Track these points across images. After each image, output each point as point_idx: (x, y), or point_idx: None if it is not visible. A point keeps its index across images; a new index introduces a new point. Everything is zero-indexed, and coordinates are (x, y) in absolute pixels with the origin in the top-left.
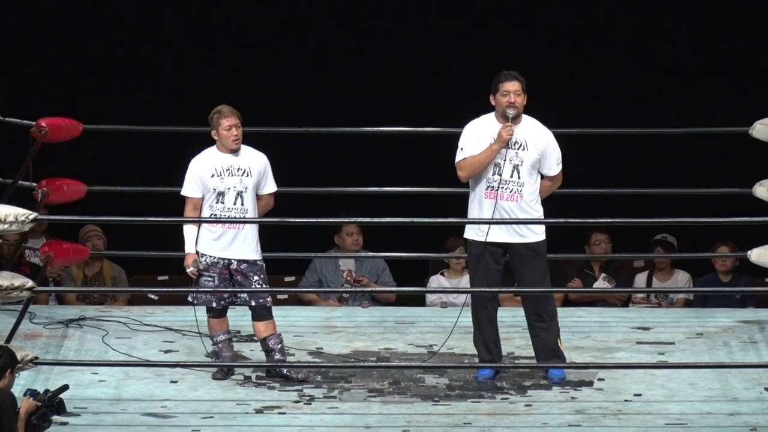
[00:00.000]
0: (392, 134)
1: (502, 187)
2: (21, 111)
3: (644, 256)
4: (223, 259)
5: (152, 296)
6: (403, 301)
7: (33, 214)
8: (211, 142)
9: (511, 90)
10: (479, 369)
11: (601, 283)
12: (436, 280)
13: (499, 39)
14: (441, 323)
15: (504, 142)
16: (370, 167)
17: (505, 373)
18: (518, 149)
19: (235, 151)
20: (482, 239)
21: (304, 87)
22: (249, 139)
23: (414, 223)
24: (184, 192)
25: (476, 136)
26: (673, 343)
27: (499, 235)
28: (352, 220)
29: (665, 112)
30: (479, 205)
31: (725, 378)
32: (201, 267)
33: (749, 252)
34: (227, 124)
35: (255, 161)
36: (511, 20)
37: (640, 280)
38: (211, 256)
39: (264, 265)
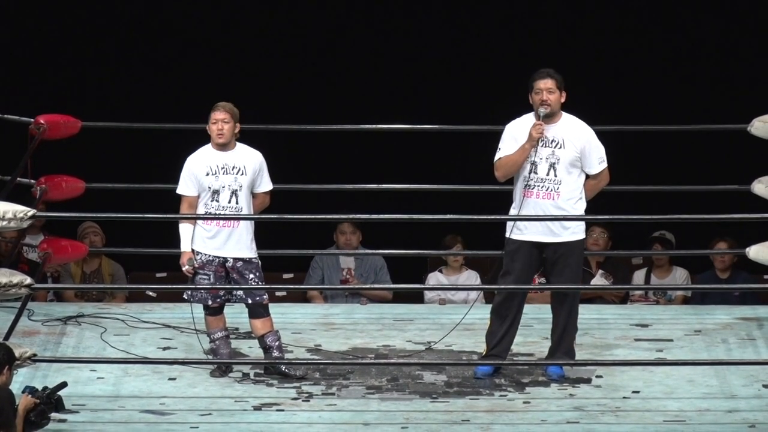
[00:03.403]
0: (390, 131)
1: (538, 185)
2: (19, 108)
3: (642, 253)
4: (219, 257)
5: (150, 293)
6: (401, 298)
7: (31, 211)
8: (209, 139)
9: (543, 88)
10: (478, 365)
11: (599, 280)
12: (434, 277)
13: (496, 36)
14: (439, 320)
15: (534, 141)
16: (368, 164)
17: (505, 370)
18: (555, 147)
19: (221, 146)
20: (517, 237)
21: (302, 84)
22: (247, 137)
23: (412, 219)
24: (179, 190)
25: (514, 135)
26: (672, 340)
27: (534, 234)
28: (347, 216)
29: (664, 109)
30: (518, 202)
31: (723, 375)
32: (196, 265)
33: (748, 249)
34: (214, 117)
35: (250, 159)
36: (511, 17)
37: (639, 277)
38: (206, 254)
39: (260, 263)
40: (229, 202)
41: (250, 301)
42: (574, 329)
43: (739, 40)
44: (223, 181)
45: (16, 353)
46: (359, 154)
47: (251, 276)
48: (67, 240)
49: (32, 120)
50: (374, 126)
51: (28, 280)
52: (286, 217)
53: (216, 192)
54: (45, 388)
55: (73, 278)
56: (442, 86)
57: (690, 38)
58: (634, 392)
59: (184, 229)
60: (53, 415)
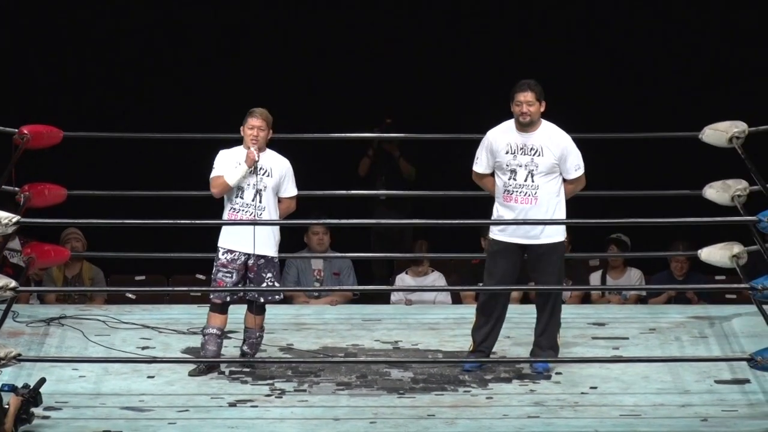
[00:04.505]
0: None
1: (517, 191)
2: (4, 119)
3: (600, 256)
4: (244, 254)
5: (130, 295)
6: (369, 299)
7: (15, 218)
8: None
9: (523, 101)
10: (460, 362)
11: None
12: (401, 279)
13: (485, 38)
14: (406, 320)
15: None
16: (341, 170)
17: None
18: (534, 155)
19: None
20: (501, 238)
21: (301, 87)
22: (235, 144)
23: (380, 224)
24: (213, 174)
25: (489, 147)
26: (627, 338)
27: (515, 237)
28: (321, 221)
29: (625, 117)
30: (500, 207)
31: (677, 371)
32: (220, 263)
33: (699, 251)
34: (251, 123)
35: (277, 164)
36: (502, 22)
37: (595, 278)
38: (232, 252)
39: (278, 263)
40: (253, 200)
41: (262, 300)
42: (557, 325)
43: (696, 50)
44: (249, 179)
45: (2, 353)
46: (338, 159)
47: (269, 275)
48: (50, 245)
49: (16, 130)
50: (363, 135)
51: (13, 284)
52: (281, 221)
53: (241, 188)
54: (26, 385)
55: (55, 282)
56: (434, 94)
57: (646, 49)
58: (591, 388)
59: (228, 172)
60: (37, 411)
